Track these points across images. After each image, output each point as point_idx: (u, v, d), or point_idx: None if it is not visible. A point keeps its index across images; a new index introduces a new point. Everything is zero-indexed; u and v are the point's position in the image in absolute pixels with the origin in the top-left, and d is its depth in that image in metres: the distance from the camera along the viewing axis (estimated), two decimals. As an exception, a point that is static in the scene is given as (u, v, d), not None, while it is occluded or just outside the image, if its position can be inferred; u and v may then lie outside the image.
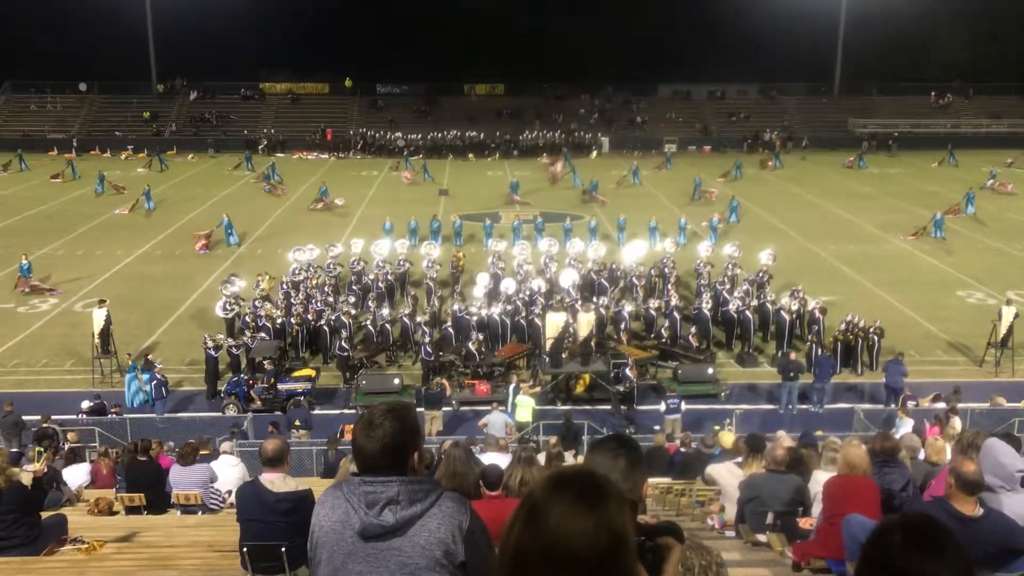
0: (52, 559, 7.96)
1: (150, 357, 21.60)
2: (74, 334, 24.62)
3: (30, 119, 67.13)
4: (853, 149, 59.41)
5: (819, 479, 7.82)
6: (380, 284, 26.92)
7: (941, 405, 18.44)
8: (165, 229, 38.27)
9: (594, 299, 25.14)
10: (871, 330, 22.73)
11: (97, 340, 22.25)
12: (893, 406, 19.69)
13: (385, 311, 24.05)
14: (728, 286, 25.68)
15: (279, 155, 58.82)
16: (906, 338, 24.16)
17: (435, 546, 2.85)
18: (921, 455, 9.94)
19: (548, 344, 21.74)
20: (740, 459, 9.86)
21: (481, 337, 22.40)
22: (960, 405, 18.16)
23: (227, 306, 24.59)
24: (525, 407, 19.37)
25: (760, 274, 27.01)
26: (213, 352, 21.56)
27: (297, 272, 27.47)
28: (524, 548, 1.90)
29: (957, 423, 15.82)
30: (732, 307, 24.10)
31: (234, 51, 68.35)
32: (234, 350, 22.16)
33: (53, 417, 17.63)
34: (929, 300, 27.94)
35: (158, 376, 20.37)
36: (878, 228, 38.16)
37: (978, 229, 37.60)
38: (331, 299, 25.36)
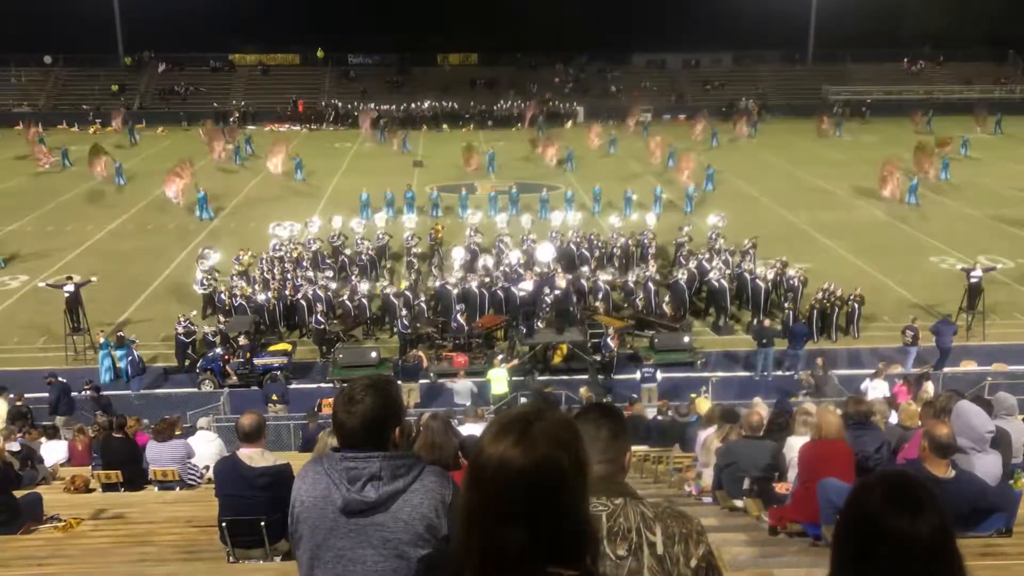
0: (29, 537, 7.92)
1: (122, 334, 21.39)
2: (45, 311, 24.30)
3: (-6, 93, 65.85)
4: (825, 116, 59.42)
5: (794, 445, 7.92)
6: (363, 257, 26.77)
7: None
8: (136, 204, 37.76)
9: (577, 269, 25.25)
10: (851, 297, 22.91)
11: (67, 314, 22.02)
12: (946, 369, 19.89)
13: (366, 286, 23.95)
14: (707, 256, 25.81)
15: (251, 127, 58.04)
16: (879, 304, 24.45)
17: (418, 521, 2.85)
18: (893, 419, 10.10)
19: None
20: (715, 428, 9.97)
21: (461, 307, 22.35)
22: (934, 371, 18.45)
23: (204, 281, 24.36)
24: (500, 380, 19.40)
25: (747, 243, 27.06)
26: (184, 338, 21.29)
27: (278, 248, 27.25)
28: (469, 499, 1.95)
29: (930, 387, 16.06)
30: (712, 276, 24.18)
31: (203, 22, 67.07)
32: (210, 336, 21.81)
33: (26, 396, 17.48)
34: (902, 266, 28.23)
35: (134, 353, 20.18)
36: (852, 195, 38.41)
37: (951, 195, 37.95)
38: (310, 274, 25.18)
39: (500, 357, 20.17)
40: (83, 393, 19.17)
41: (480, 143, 46.94)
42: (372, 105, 62.28)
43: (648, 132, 54.71)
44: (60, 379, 18.64)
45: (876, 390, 16.76)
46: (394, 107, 63.28)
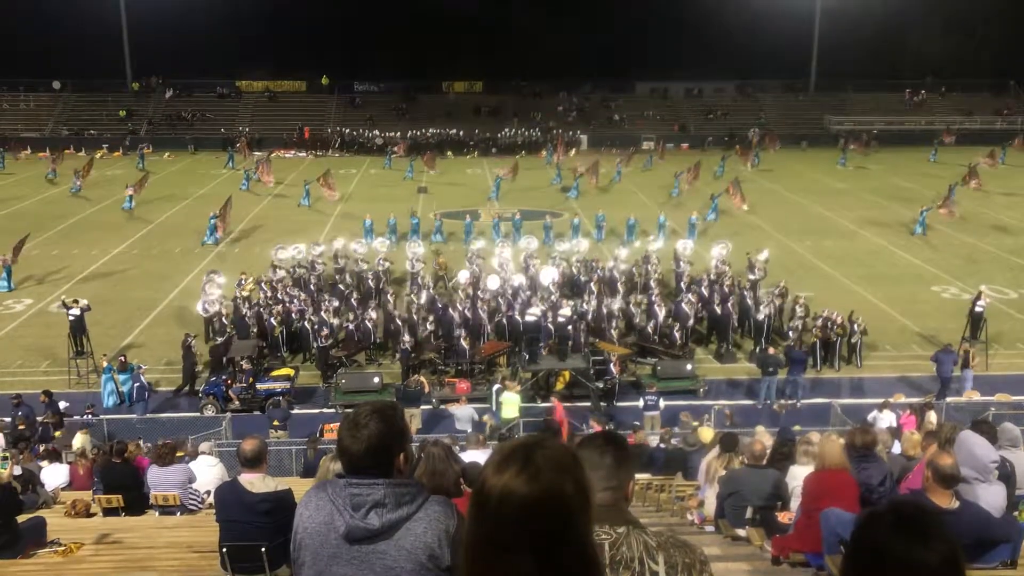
0: (29, 562, 7.89)
1: (124, 358, 21.39)
2: (49, 335, 24.34)
3: (2, 117, 66.27)
4: (831, 148, 59.71)
5: (797, 474, 7.89)
6: (370, 282, 26.82)
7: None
8: (142, 228, 37.90)
9: (580, 295, 25.27)
10: (855, 325, 22.88)
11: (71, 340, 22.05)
12: (949, 399, 19.65)
13: (372, 311, 23.96)
14: (708, 283, 25.82)
15: (257, 153, 58.33)
16: (881, 332, 24.38)
17: (420, 550, 2.84)
18: (896, 449, 10.06)
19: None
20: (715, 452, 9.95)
21: (462, 333, 22.33)
22: (936, 400, 18.37)
23: (207, 305, 24.38)
24: (511, 404, 19.26)
25: (755, 270, 27.10)
26: (194, 356, 21.34)
27: (279, 272, 27.29)
28: (474, 530, 1.94)
29: (933, 417, 15.98)
30: (714, 304, 24.19)
31: (210, 48, 67.74)
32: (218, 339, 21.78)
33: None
34: (904, 295, 28.20)
35: (141, 379, 20.19)
36: (854, 224, 38.47)
37: (953, 224, 37.99)
38: (315, 298, 25.21)
39: (497, 388, 20.01)
40: (85, 416, 19.19)
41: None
42: (378, 132, 62.68)
43: (652, 162, 55.00)
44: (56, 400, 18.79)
45: (884, 421, 16.69)
46: (398, 134, 63.75)
